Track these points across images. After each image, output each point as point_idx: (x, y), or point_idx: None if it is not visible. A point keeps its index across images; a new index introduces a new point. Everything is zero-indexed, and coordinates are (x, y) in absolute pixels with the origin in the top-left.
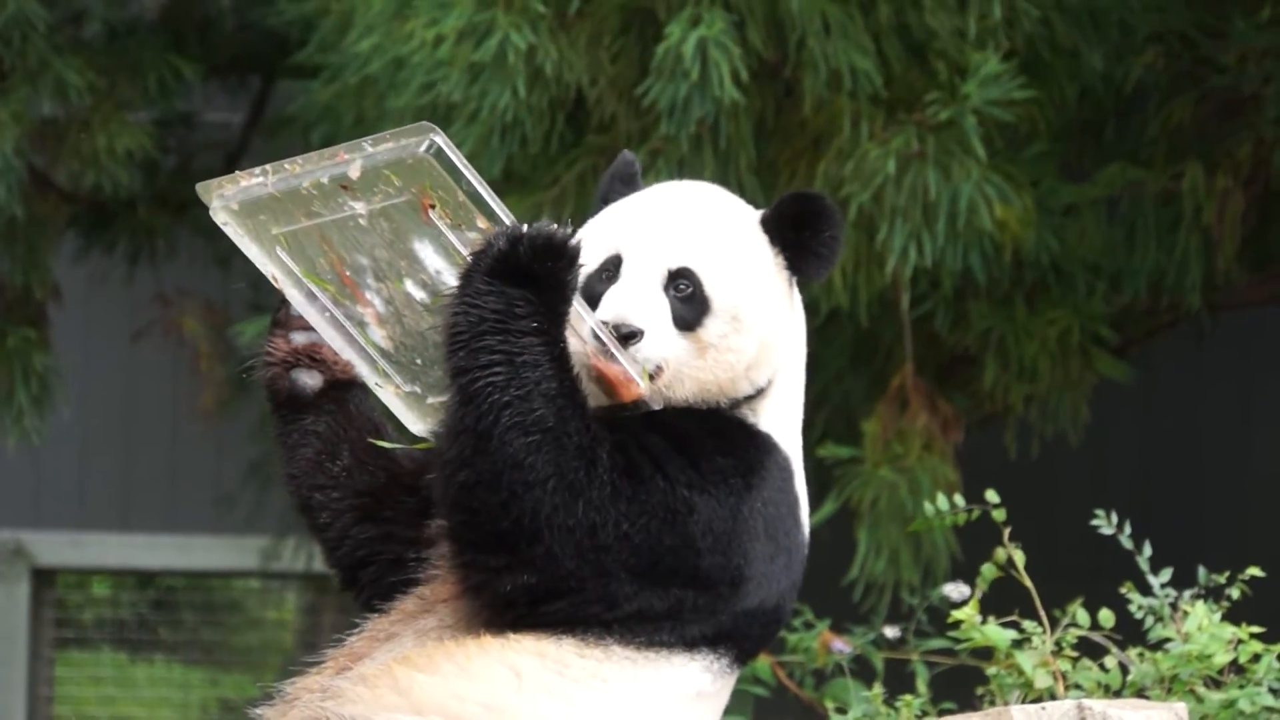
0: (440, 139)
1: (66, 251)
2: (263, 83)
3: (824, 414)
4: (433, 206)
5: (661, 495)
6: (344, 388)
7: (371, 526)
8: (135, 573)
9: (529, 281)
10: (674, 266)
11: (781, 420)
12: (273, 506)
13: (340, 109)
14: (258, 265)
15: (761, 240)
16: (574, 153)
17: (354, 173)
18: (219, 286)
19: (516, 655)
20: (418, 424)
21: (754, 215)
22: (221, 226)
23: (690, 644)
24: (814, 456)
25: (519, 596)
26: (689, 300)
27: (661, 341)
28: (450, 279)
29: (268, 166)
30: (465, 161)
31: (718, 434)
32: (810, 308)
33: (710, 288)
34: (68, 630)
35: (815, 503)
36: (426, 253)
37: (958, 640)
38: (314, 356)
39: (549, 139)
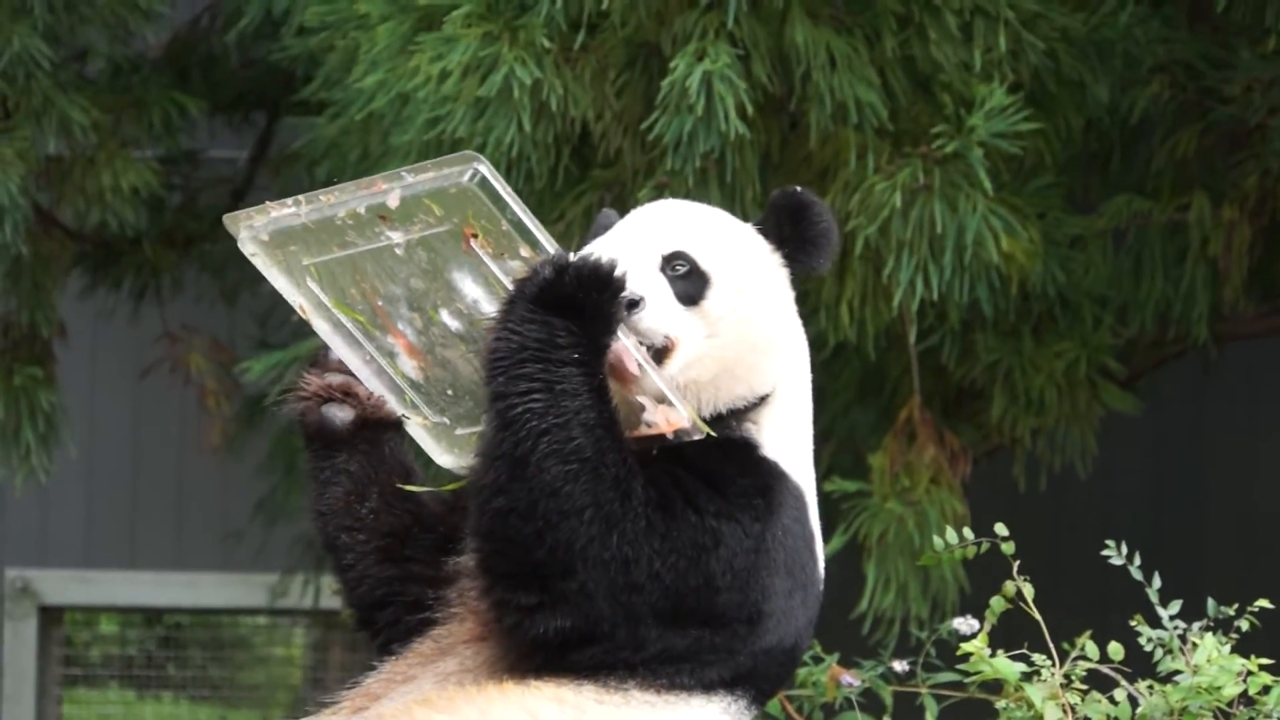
0: (485, 168)
1: (72, 289)
2: (268, 119)
3: (831, 447)
4: (475, 236)
5: (691, 531)
6: (378, 427)
7: (392, 567)
8: (142, 610)
9: (572, 311)
10: (667, 251)
11: (790, 447)
12: (280, 543)
13: (345, 145)
14: (285, 296)
15: (757, 238)
16: (580, 187)
17: (393, 202)
18: (225, 323)
19: (536, 701)
20: (444, 456)
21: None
22: (250, 257)
23: (708, 686)
24: (822, 490)
25: (551, 640)
26: (688, 276)
27: (665, 313)
28: (489, 308)
29: (300, 197)
30: (510, 190)
31: (733, 459)
32: (817, 341)
33: (707, 263)
34: (75, 668)
35: (824, 537)
36: (465, 283)
37: (967, 673)
38: (347, 392)
39: (555, 174)
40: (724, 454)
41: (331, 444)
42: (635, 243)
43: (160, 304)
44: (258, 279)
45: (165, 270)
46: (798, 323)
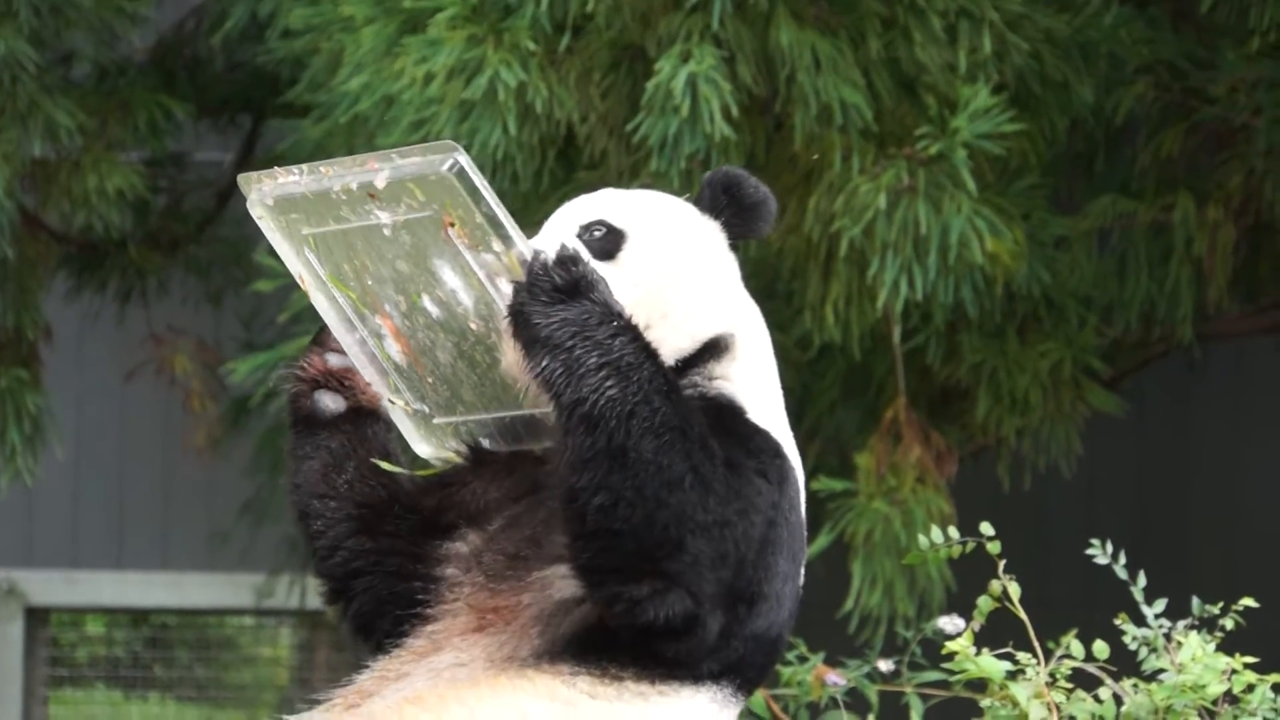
0: (463, 159)
1: (58, 291)
2: (253, 122)
3: (817, 447)
4: (452, 225)
5: (750, 489)
6: (366, 414)
7: (367, 540)
8: (129, 611)
9: (575, 294)
10: (585, 220)
11: (773, 414)
12: (266, 544)
13: (331, 147)
14: (286, 264)
15: (685, 205)
16: (565, 189)
17: (380, 182)
18: (211, 325)
19: (527, 697)
20: (421, 444)
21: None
22: (256, 220)
23: (699, 677)
24: (808, 490)
25: (660, 629)
26: (604, 238)
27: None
28: (465, 299)
29: (304, 166)
30: (486, 184)
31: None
32: (802, 342)
33: (623, 222)
34: (62, 669)
35: (809, 537)
36: (445, 271)
37: (952, 672)
38: (344, 382)
39: (540, 176)
40: (718, 411)
41: (315, 425)
42: (555, 222)
43: (146, 306)
44: (243, 281)
45: (151, 272)
46: (743, 291)
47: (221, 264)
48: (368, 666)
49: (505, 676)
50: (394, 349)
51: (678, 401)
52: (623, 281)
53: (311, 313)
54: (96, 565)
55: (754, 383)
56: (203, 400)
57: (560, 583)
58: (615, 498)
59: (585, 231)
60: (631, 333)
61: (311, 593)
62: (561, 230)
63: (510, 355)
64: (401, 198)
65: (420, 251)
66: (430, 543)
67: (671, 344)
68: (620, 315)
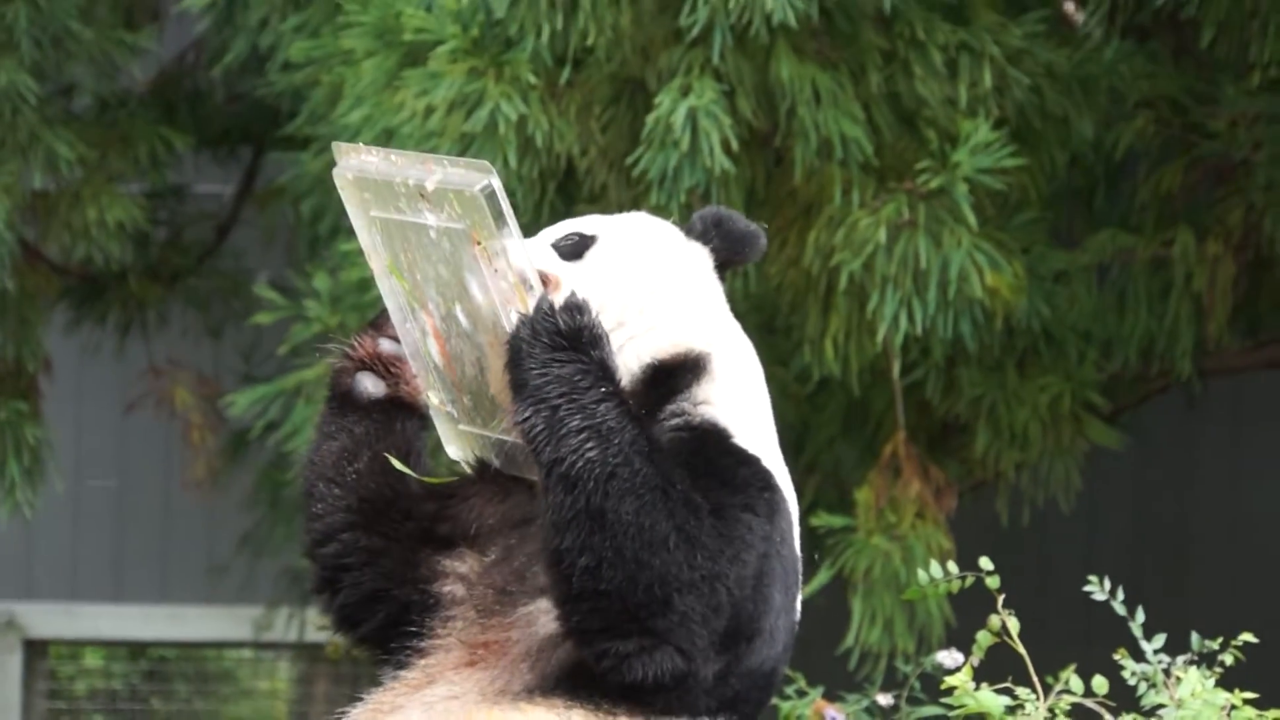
0: (495, 182)
1: (58, 324)
2: (253, 154)
3: (816, 482)
4: (478, 243)
5: (743, 529)
6: (403, 407)
7: (362, 536)
8: (128, 643)
9: (576, 345)
10: (560, 234)
11: (762, 441)
12: (265, 577)
13: (331, 180)
14: (360, 239)
15: (673, 230)
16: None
17: (430, 185)
18: (210, 358)
19: None
20: (450, 446)
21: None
22: (340, 189)
23: (695, 713)
24: (807, 525)
25: (648, 685)
26: (575, 243)
27: (543, 255)
28: (486, 316)
29: (382, 150)
30: (511, 214)
31: (719, 449)
32: (801, 376)
33: (593, 230)
34: (60, 701)
35: (808, 572)
36: (473, 286)
37: (951, 707)
38: (390, 368)
39: (540, 209)
40: (703, 443)
41: (348, 406)
42: (535, 240)
43: (145, 338)
44: (242, 314)
45: (150, 305)
46: (727, 315)
47: (221, 296)
48: (362, 700)
49: (499, 709)
50: (434, 347)
51: (659, 462)
52: (588, 278)
53: (308, 347)
54: (95, 598)
55: (738, 405)
56: (202, 433)
57: (544, 618)
58: (598, 559)
59: (558, 243)
60: (619, 397)
61: (310, 626)
62: (537, 243)
63: (497, 384)
64: (444, 205)
65: (456, 261)
66: (424, 551)
67: (638, 348)
68: (612, 378)
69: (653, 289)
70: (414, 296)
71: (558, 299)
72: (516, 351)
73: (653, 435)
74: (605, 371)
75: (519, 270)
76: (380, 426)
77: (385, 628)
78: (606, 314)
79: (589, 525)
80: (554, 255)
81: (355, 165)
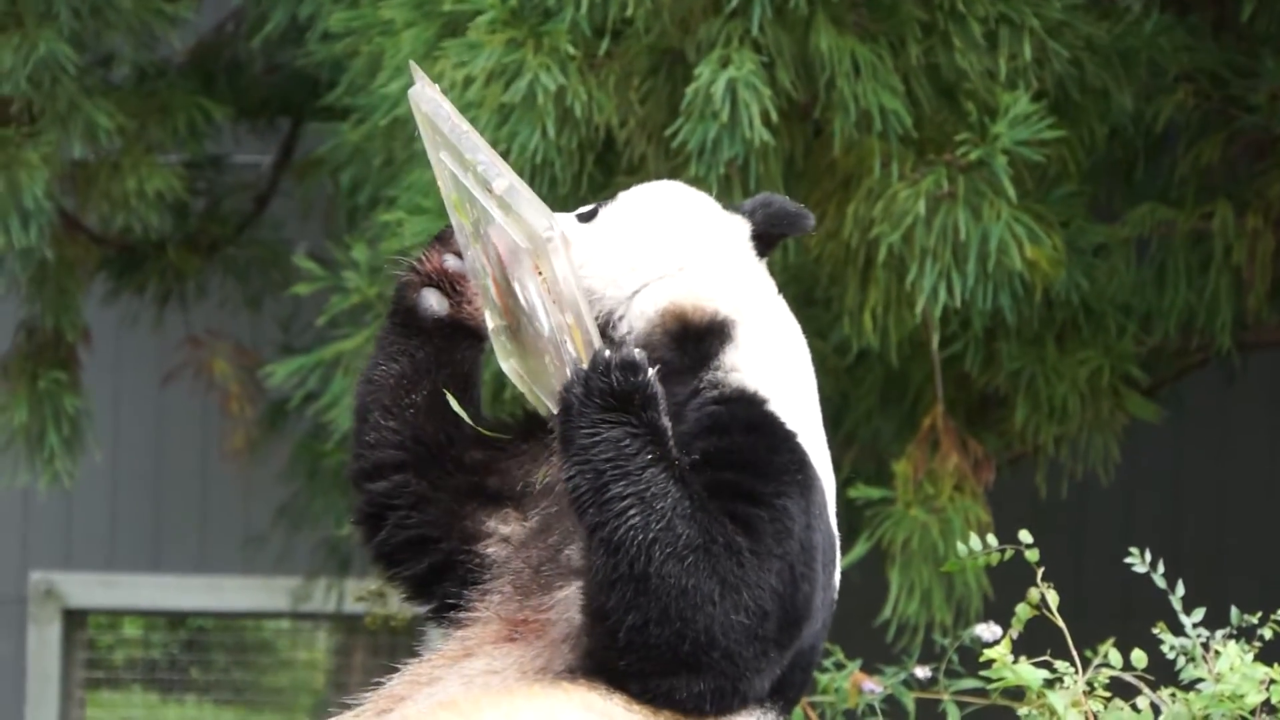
0: (557, 231)
1: (96, 294)
2: (292, 124)
3: (854, 454)
4: (540, 274)
5: (774, 533)
6: (465, 330)
7: (413, 478)
8: (166, 613)
9: (628, 406)
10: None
11: (794, 405)
12: (303, 547)
13: (370, 150)
14: (429, 155)
15: (707, 200)
16: (603, 194)
17: (497, 188)
18: (249, 328)
19: (562, 706)
20: (505, 362)
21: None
22: (414, 112)
23: (744, 699)
24: (845, 497)
25: (691, 702)
26: (591, 211)
27: (545, 211)
28: (541, 318)
29: (453, 109)
30: (574, 266)
31: (754, 428)
32: (840, 348)
33: (616, 199)
34: (99, 671)
35: (846, 544)
36: (530, 289)
37: (989, 680)
38: (455, 286)
39: (579, 180)
40: (733, 419)
41: (412, 326)
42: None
43: (184, 309)
44: (281, 284)
45: (189, 275)
46: (762, 282)
47: (260, 267)
48: (400, 670)
49: (540, 686)
50: (492, 289)
51: (701, 520)
52: (595, 233)
53: (346, 317)
54: (134, 568)
55: (771, 370)
56: (240, 403)
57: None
58: (645, 619)
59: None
60: (667, 460)
61: (349, 597)
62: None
63: (546, 387)
64: (509, 213)
65: (515, 254)
66: (470, 505)
67: (654, 294)
68: (663, 440)
69: (669, 238)
70: (475, 236)
71: (613, 354)
72: (568, 408)
73: (695, 488)
74: (655, 433)
75: (585, 332)
76: (442, 352)
77: (427, 575)
78: (616, 259)
79: (634, 588)
80: (572, 219)
81: (430, 100)
